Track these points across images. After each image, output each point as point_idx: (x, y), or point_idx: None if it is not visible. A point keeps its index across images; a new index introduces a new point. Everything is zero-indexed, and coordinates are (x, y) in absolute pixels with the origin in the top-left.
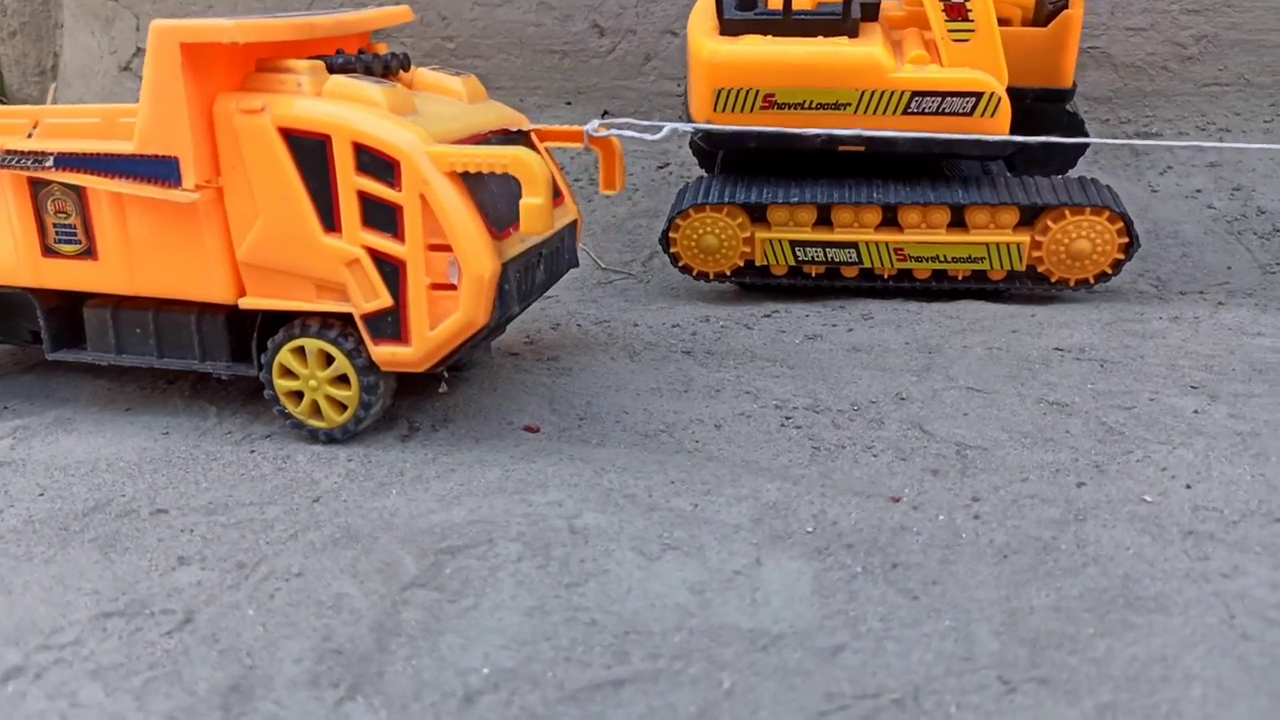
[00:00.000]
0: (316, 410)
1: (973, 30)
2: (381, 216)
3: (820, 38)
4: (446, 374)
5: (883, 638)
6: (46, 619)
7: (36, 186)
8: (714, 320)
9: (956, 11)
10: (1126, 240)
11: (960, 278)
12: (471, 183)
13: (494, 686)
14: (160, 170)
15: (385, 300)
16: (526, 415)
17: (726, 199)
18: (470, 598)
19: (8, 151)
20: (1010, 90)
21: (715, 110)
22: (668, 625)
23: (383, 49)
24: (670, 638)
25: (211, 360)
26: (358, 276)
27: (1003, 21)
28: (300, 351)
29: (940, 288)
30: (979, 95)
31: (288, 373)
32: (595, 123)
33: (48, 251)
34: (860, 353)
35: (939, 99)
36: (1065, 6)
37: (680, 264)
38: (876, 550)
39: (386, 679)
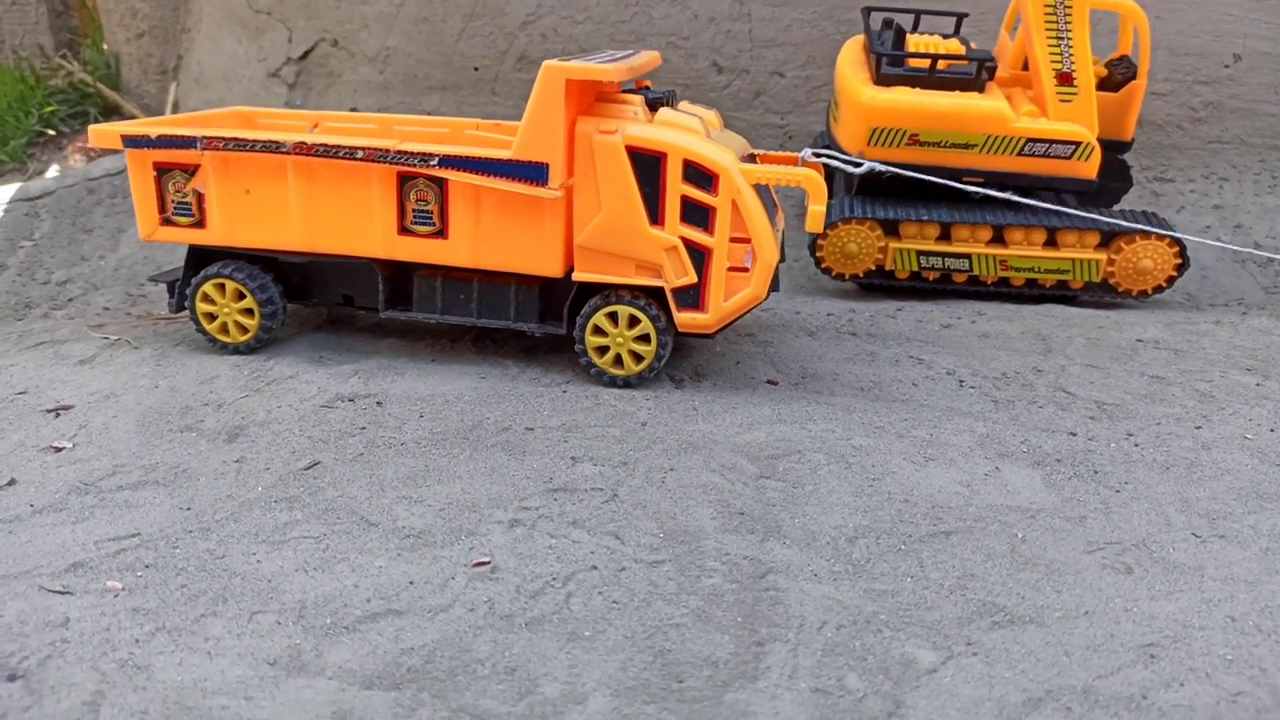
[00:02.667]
0: (618, 361)
1: (1076, 94)
2: (697, 215)
3: (957, 92)
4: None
5: (1107, 512)
6: (509, 492)
7: (404, 179)
8: (859, 311)
9: (1065, 79)
10: (1180, 261)
11: (1047, 286)
12: (759, 192)
13: (861, 533)
14: (533, 173)
15: (692, 278)
16: (761, 373)
17: (868, 215)
18: (809, 485)
19: (399, 151)
20: None
21: (869, 144)
22: (959, 503)
23: (649, 85)
24: (965, 510)
25: (523, 320)
26: (672, 259)
27: None
28: (612, 315)
29: (1031, 293)
30: (1078, 144)
31: (598, 331)
32: (808, 151)
33: (404, 231)
34: (989, 338)
35: (1047, 145)
36: (1134, 77)
37: (823, 266)
38: (1078, 463)
39: (784, 529)
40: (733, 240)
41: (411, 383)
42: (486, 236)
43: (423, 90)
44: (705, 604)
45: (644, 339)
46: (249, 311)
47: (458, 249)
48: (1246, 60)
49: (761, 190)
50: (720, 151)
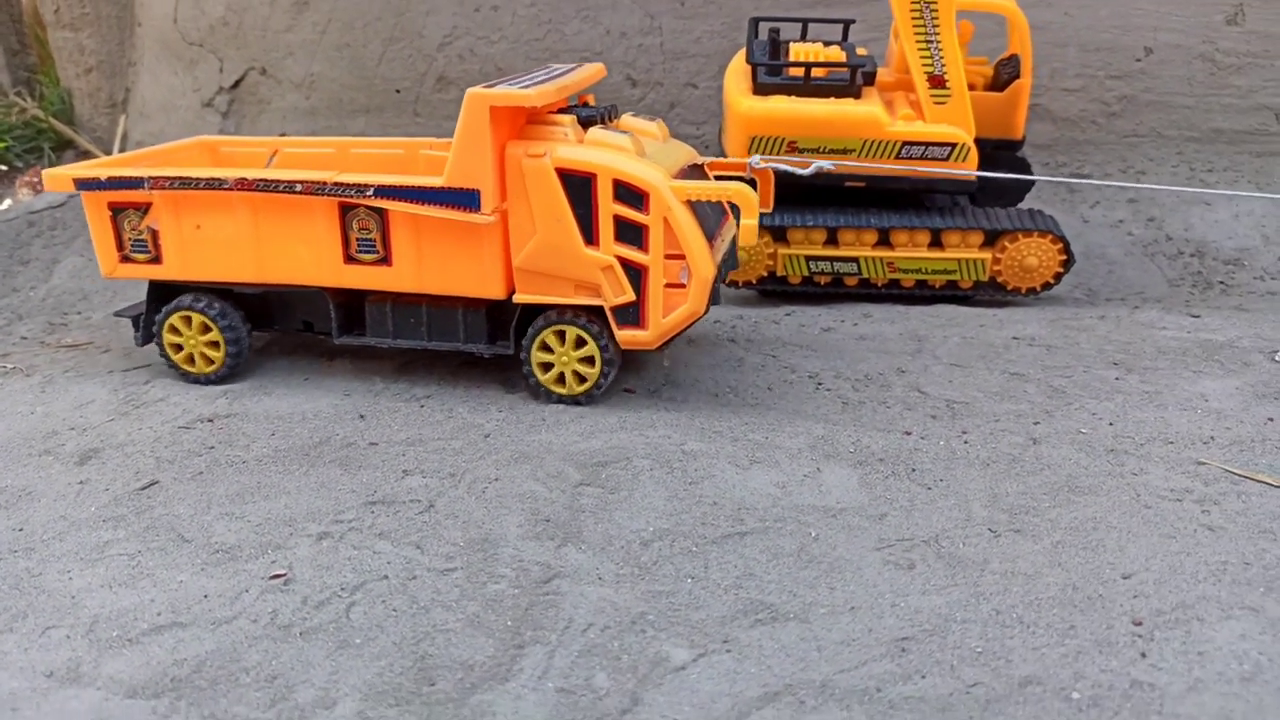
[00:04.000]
0: (561, 380)
1: (949, 95)
2: (630, 234)
3: (832, 99)
4: (663, 352)
5: (910, 509)
6: (328, 506)
7: (345, 209)
8: (746, 318)
9: (937, 82)
10: (1065, 257)
11: (937, 286)
12: (693, 207)
13: (659, 537)
14: (465, 199)
15: (630, 296)
16: (622, 381)
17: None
18: (625, 491)
19: (336, 183)
20: (975, 141)
21: (749, 153)
22: (766, 504)
23: (591, 100)
24: (770, 511)
25: (473, 342)
26: (609, 278)
27: (969, 87)
28: (559, 334)
29: (921, 294)
30: (954, 145)
31: (545, 348)
32: (757, 158)
33: (350, 259)
34: (865, 340)
35: (923, 147)
36: (1017, 76)
37: None
38: (899, 462)
39: (585, 535)
40: (669, 257)
41: (276, 401)
42: (429, 262)
43: (348, 114)
44: (482, 609)
45: (589, 360)
46: (214, 344)
47: (402, 275)
48: (1157, 53)
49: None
50: (649, 169)
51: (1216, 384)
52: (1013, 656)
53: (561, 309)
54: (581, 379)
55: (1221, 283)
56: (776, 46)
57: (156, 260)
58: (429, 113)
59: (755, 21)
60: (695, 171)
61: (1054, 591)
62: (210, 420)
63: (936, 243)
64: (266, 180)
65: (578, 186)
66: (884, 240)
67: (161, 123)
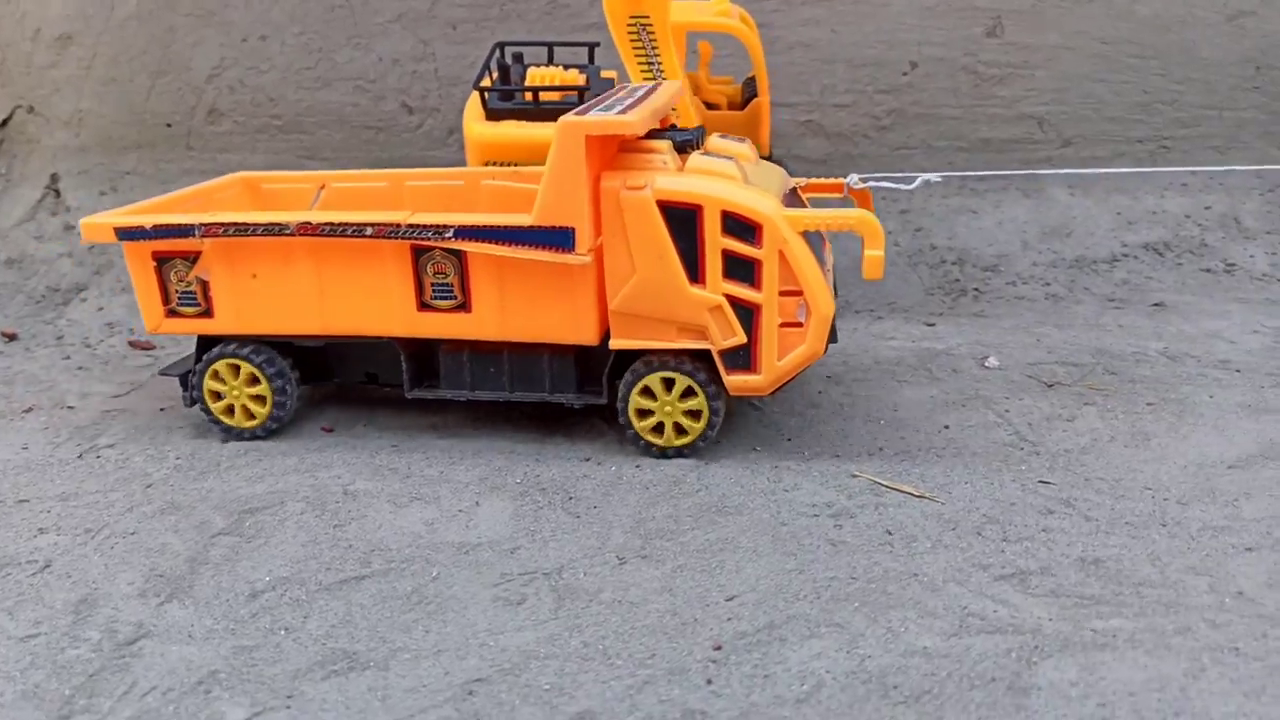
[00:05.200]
0: (659, 429)
1: (676, 113)
2: (740, 270)
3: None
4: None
5: (548, 540)
6: None
7: (419, 252)
8: None
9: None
10: None
11: None
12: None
13: (272, 587)
14: (556, 238)
15: (740, 338)
16: (323, 421)
17: None
18: (262, 539)
19: (411, 225)
20: None
21: None
22: (403, 544)
23: (672, 119)
24: (403, 551)
25: (560, 391)
26: (717, 319)
27: (713, 106)
28: (666, 382)
29: None
30: None
31: (645, 395)
32: (854, 176)
33: (424, 306)
34: None
35: None
36: (755, 96)
37: None
38: (560, 491)
39: (195, 589)
40: (783, 294)
41: None
42: (513, 307)
43: (119, 150)
44: (46, 678)
45: (694, 413)
46: (260, 398)
47: (483, 322)
48: (923, 66)
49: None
50: (761, 199)
51: (914, 393)
52: (578, 691)
53: (663, 354)
54: (681, 431)
55: (975, 289)
56: (506, 71)
57: (207, 313)
58: (202, 146)
59: (498, 46)
60: (793, 196)
61: (652, 619)
62: None
63: None
64: (333, 224)
65: (682, 220)
66: None
67: None
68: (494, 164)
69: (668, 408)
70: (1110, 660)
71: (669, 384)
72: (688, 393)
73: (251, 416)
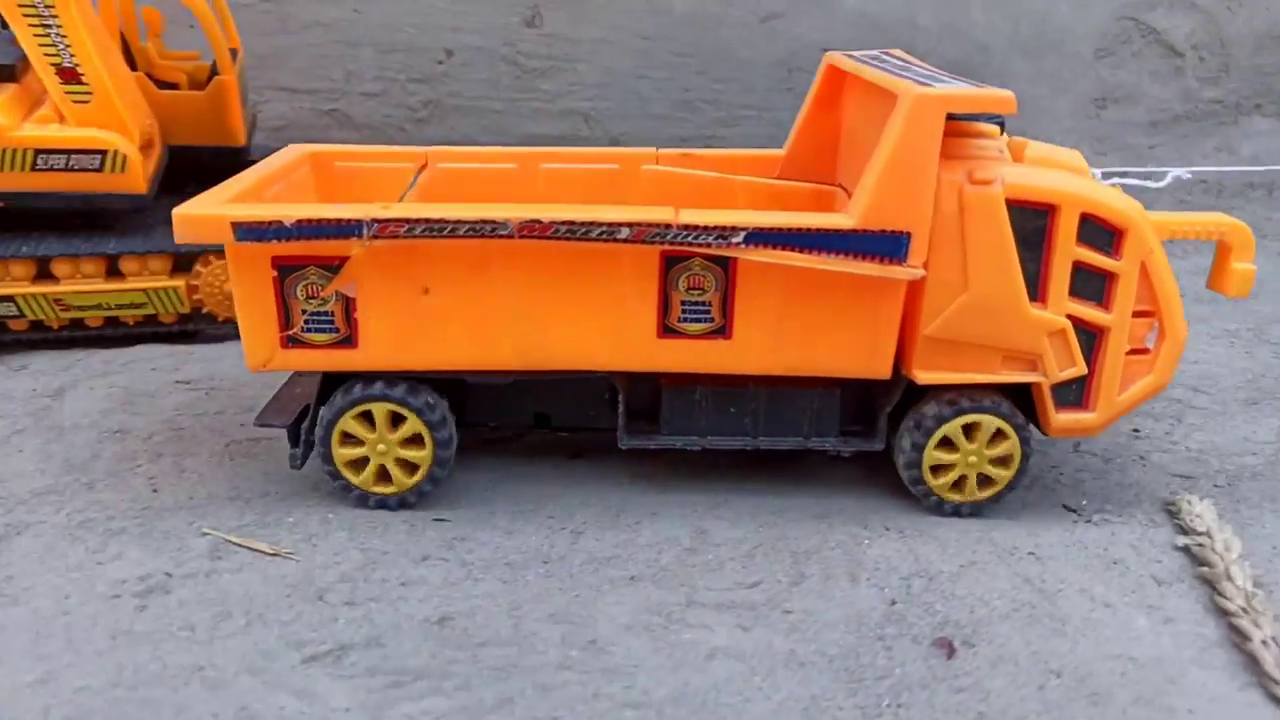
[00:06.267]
0: (958, 484)
1: (90, 93)
2: (1089, 285)
3: None
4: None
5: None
6: None
7: (670, 261)
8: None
9: (70, 76)
10: None
11: (133, 324)
12: None
13: None
14: (885, 246)
15: (1080, 368)
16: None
17: None
18: None
19: (684, 226)
20: (184, 148)
21: None
22: None
23: None
24: None
25: (823, 435)
26: (1057, 346)
27: (170, 85)
28: (966, 429)
29: (119, 334)
30: (104, 153)
31: (945, 445)
32: (1098, 173)
33: (666, 331)
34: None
35: (65, 156)
36: (217, 73)
37: None
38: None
39: None
40: (1136, 314)
41: None
42: (790, 332)
43: None
44: None
45: (1002, 460)
46: (416, 438)
47: (746, 351)
48: (459, 55)
49: None
50: (1123, 198)
51: None
52: None
53: (958, 390)
54: (986, 482)
55: None
56: None
57: (347, 342)
58: None
59: None
60: None
61: None
62: None
63: (116, 271)
64: (574, 224)
65: (1029, 223)
66: (46, 272)
67: None
68: None
69: (971, 458)
70: None
71: (968, 429)
72: (997, 436)
73: (411, 471)
